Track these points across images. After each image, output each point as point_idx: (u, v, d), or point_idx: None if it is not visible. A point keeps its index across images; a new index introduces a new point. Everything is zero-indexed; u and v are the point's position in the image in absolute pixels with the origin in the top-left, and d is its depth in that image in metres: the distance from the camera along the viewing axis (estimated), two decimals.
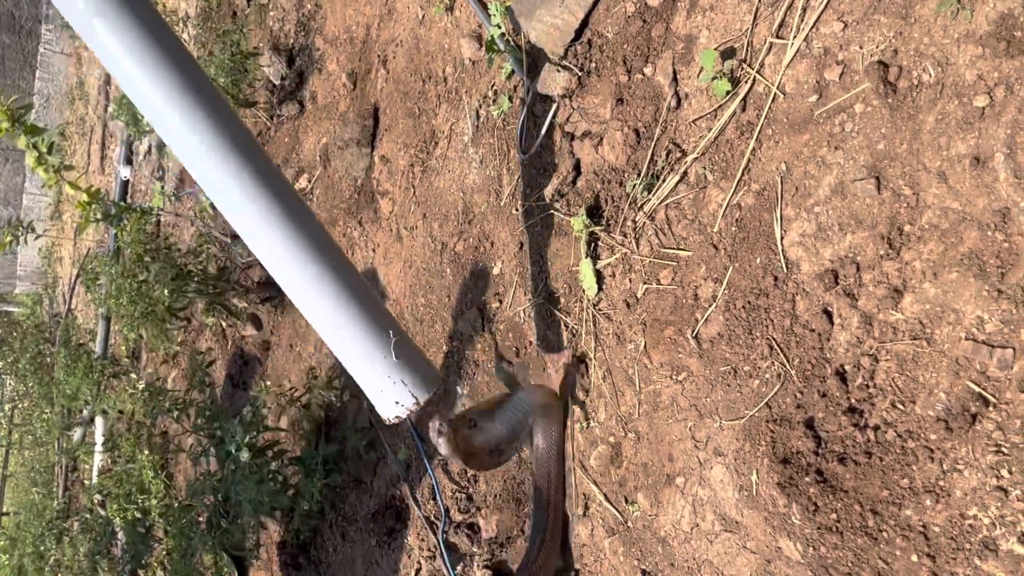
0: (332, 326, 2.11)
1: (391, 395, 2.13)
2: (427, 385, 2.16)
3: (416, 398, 2.13)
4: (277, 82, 4.50)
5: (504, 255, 2.70)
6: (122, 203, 4.70)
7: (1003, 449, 1.37)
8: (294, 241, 2.02)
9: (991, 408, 1.40)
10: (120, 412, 5.61)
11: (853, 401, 1.61)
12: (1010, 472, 1.35)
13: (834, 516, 1.57)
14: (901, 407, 1.53)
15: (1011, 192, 1.41)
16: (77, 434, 6.72)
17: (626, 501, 2.12)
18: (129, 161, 6.74)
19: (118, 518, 3.51)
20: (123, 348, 6.09)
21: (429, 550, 2.83)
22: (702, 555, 1.88)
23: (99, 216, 4.48)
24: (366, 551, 3.14)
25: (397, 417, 2.15)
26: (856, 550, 1.54)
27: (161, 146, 6.21)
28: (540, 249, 2.53)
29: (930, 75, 1.56)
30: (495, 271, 2.73)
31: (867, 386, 1.59)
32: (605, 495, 2.18)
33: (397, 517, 3.05)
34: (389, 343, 2.09)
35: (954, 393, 1.45)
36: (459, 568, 2.60)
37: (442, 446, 1.98)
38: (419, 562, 2.87)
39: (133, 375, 5.92)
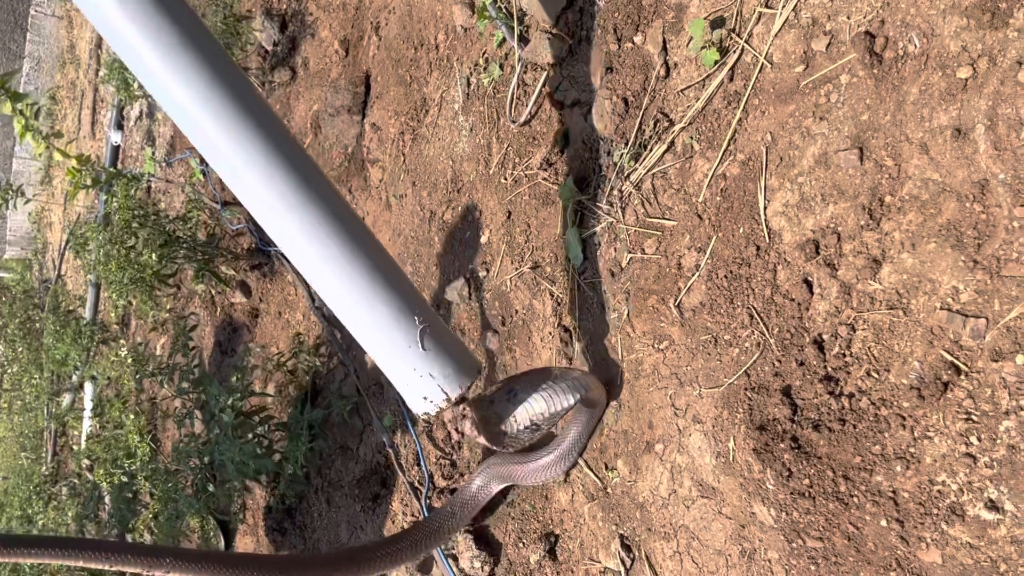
0: (347, 307, 1.82)
1: (418, 390, 1.86)
2: (460, 378, 1.86)
3: (446, 394, 1.84)
4: (269, 48, 4.46)
5: (492, 224, 2.70)
6: (112, 169, 4.69)
7: (973, 417, 1.39)
8: (303, 202, 1.69)
9: (963, 377, 1.42)
10: (109, 378, 5.63)
11: (829, 369, 1.63)
12: (979, 439, 1.37)
13: (807, 482, 1.59)
14: (876, 375, 1.55)
15: (990, 164, 1.42)
16: (66, 399, 6.73)
17: (606, 468, 2.14)
18: (120, 126, 6.69)
19: (104, 483, 3.53)
20: (112, 314, 6.08)
21: (413, 515, 2.85)
22: (679, 520, 1.90)
23: (89, 182, 4.47)
24: (351, 516, 3.17)
25: (426, 414, 1.89)
26: (827, 515, 1.57)
27: (152, 112, 6.16)
28: (527, 218, 2.53)
29: (915, 46, 1.56)
30: (483, 240, 2.74)
31: (843, 355, 1.61)
32: (586, 461, 2.20)
33: (382, 483, 3.07)
34: (415, 331, 1.80)
35: (928, 362, 1.47)
36: None
37: (467, 428, 1.87)
38: (403, 527, 2.89)
39: (123, 341, 5.92)
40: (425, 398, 1.85)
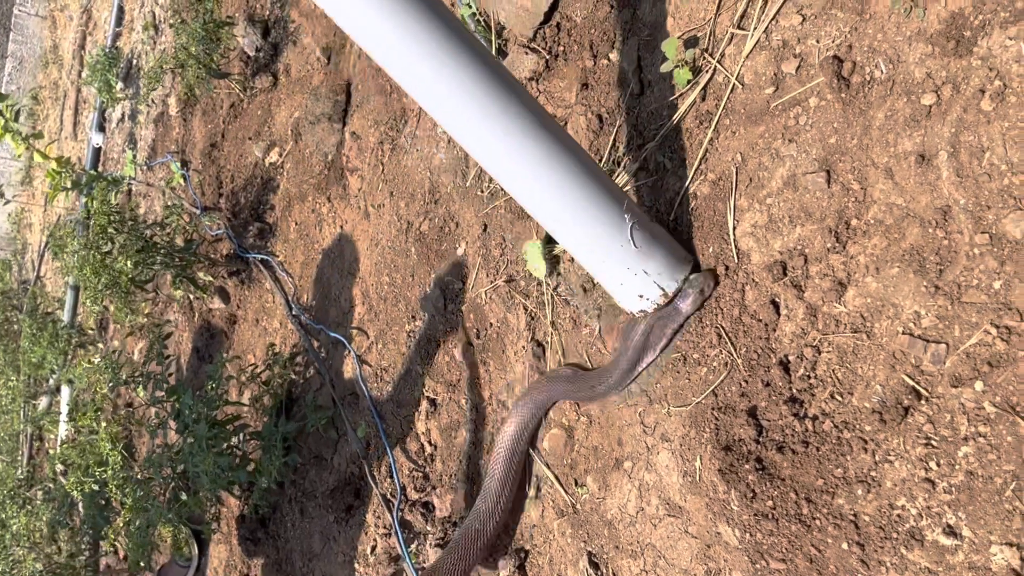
0: (549, 202, 1.69)
1: (633, 288, 1.83)
2: (673, 272, 1.82)
3: (663, 289, 1.82)
4: (252, 54, 4.45)
5: (468, 236, 2.70)
6: (93, 171, 4.65)
7: (932, 442, 1.40)
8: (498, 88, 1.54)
9: (923, 402, 1.42)
10: (86, 383, 5.57)
11: (795, 391, 1.63)
12: (938, 464, 1.38)
13: (770, 503, 1.60)
14: (839, 398, 1.55)
15: (952, 190, 1.43)
16: (43, 403, 6.65)
17: (576, 484, 2.14)
18: (102, 128, 6.64)
19: (75, 491, 3.49)
20: (91, 318, 6.03)
21: (385, 527, 2.84)
22: (646, 539, 1.90)
23: (69, 184, 4.43)
24: (324, 527, 3.15)
25: (642, 312, 1.88)
26: (790, 537, 1.57)
27: (135, 114, 6.12)
28: (503, 231, 2.53)
29: (882, 71, 1.57)
30: (459, 252, 2.73)
31: (808, 377, 1.62)
32: (556, 477, 2.20)
33: (355, 494, 3.06)
34: (626, 228, 1.71)
35: (889, 386, 1.48)
36: (413, 546, 2.62)
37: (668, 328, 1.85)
38: (375, 539, 2.88)
39: (101, 345, 5.87)
40: (641, 296, 1.84)
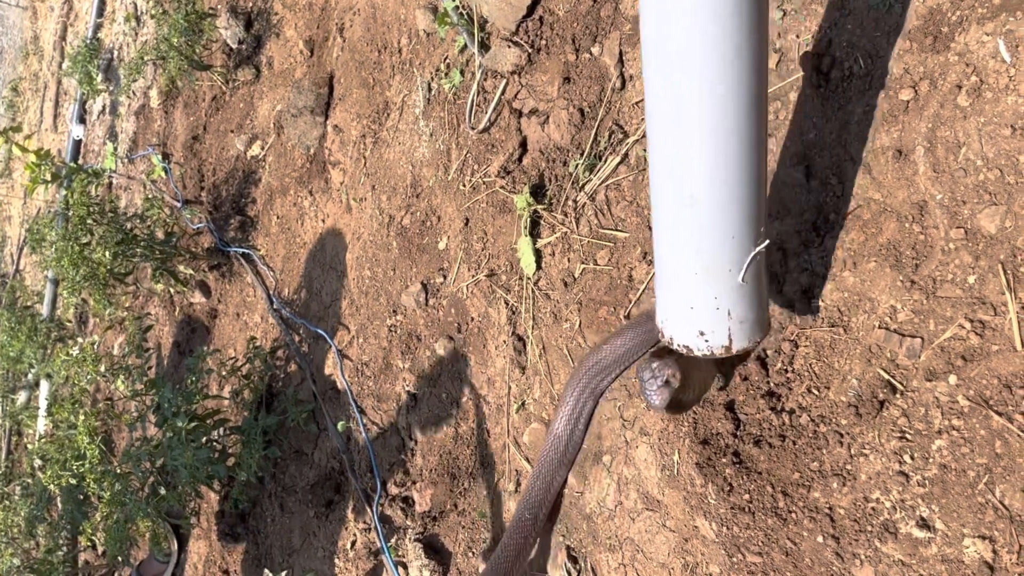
0: (707, 171, 1.31)
1: (701, 321, 1.49)
2: (753, 331, 1.50)
3: (730, 341, 1.49)
4: (234, 46, 4.41)
5: (450, 230, 2.69)
6: (73, 164, 4.60)
7: (907, 436, 1.40)
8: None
9: (898, 395, 1.43)
10: (65, 377, 5.52)
11: (772, 385, 1.64)
12: (912, 458, 1.39)
13: (747, 497, 1.60)
14: (816, 392, 1.56)
15: (929, 185, 1.44)
16: (22, 397, 6.59)
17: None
18: (82, 120, 6.57)
19: (52, 485, 3.46)
20: (69, 311, 5.97)
21: (365, 522, 2.83)
22: (624, 533, 1.90)
23: (48, 177, 4.38)
24: (304, 522, 3.13)
25: (687, 348, 1.54)
26: (767, 530, 1.58)
27: (115, 106, 6.06)
28: (485, 225, 2.52)
29: (860, 67, 1.58)
30: (440, 246, 2.72)
31: (786, 371, 1.62)
32: None
33: (336, 489, 3.04)
34: (747, 255, 1.37)
35: (865, 380, 1.48)
36: (392, 540, 2.61)
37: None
38: (355, 534, 2.87)
39: (80, 339, 5.81)
40: (702, 333, 1.50)
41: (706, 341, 1.51)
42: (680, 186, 1.34)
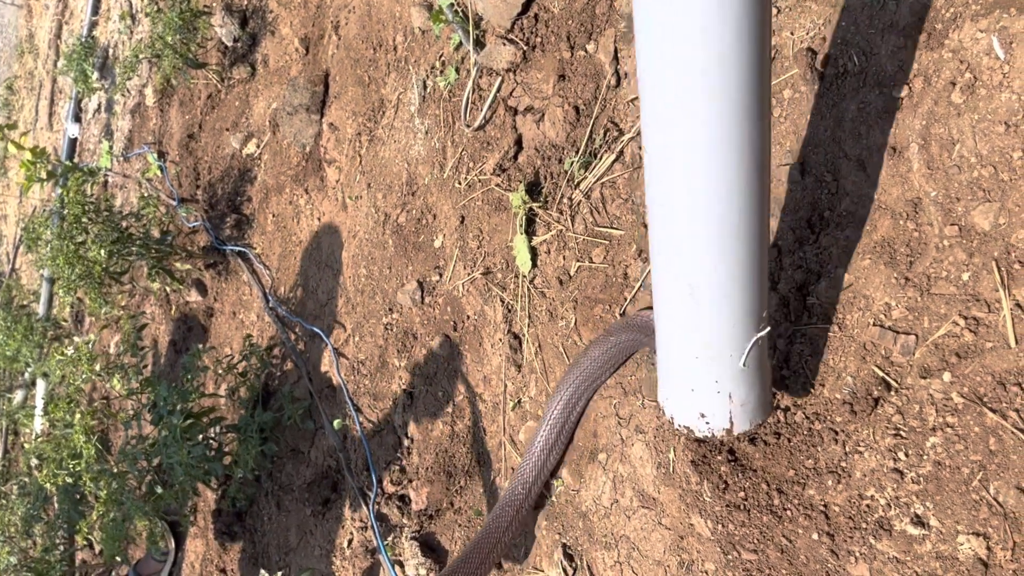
0: (709, 252, 1.26)
1: (701, 403, 1.48)
2: (755, 414, 1.50)
3: (732, 424, 1.49)
4: (229, 44, 4.40)
5: (446, 228, 2.69)
6: (68, 162, 4.58)
7: (901, 432, 1.40)
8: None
9: (893, 393, 1.43)
10: (62, 376, 5.51)
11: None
12: (906, 455, 1.39)
13: (742, 494, 1.60)
14: (810, 389, 1.56)
15: (923, 183, 1.44)
16: (18, 396, 6.58)
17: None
18: (78, 119, 6.55)
19: (48, 484, 3.45)
20: (65, 309, 5.96)
21: (362, 521, 2.83)
22: (620, 530, 1.90)
23: (44, 176, 4.37)
24: (301, 520, 3.13)
25: (688, 430, 1.54)
26: (762, 528, 1.58)
27: (111, 105, 6.05)
28: (480, 223, 2.52)
29: (855, 63, 1.57)
30: (436, 244, 2.72)
31: (781, 368, 1.62)
32: None
33: (332, 487, 3.04)
34: (750, 340, 1.35)
35: (860, 377, 1.48)
36: (389, 539, 2.61)
37: None
38: (352, 532, 2.87)
39: (76, 338, 5.80)
40: (703, 415, 1.49)
41: (707, 423, 1.50)
42: (678, 277, 1.33)
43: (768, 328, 1.37)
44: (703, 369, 1.41)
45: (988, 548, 1.28)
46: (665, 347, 1.48)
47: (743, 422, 1.49)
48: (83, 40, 5.92)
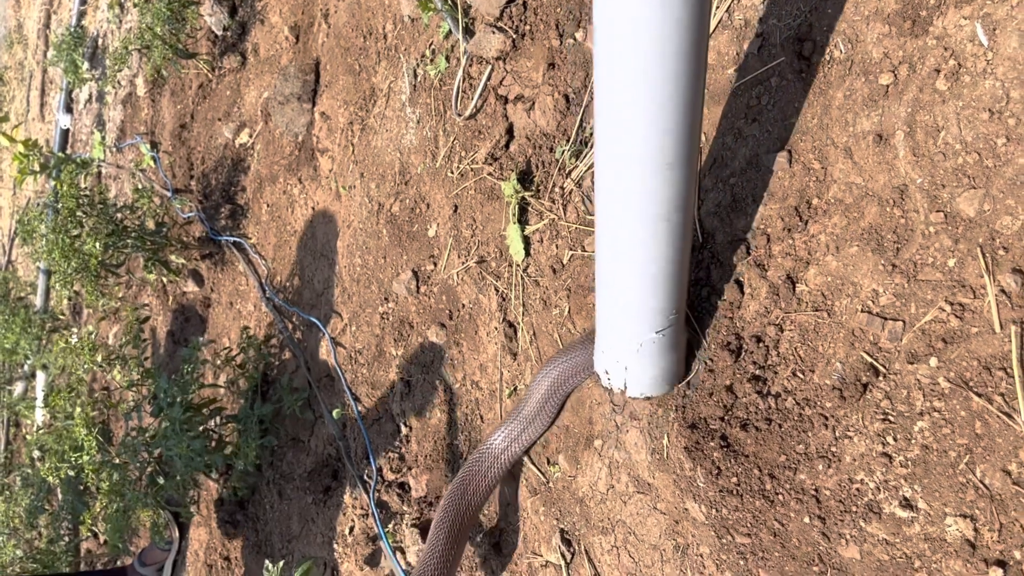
0: (616, 249, 1.49)
1: (606, 364, 1.82)
2: (647, 387, 1.81)
3: (625, 387, 1.84)
4: (219, 33, 4.38)
5: (439, 217, 2.70)
6: (61, 154, 4.58)
7: (889, 417, 1.43)
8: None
9: (881, 378, 1.45)
10: (62, 367, 5.53)
11: (757, 369, 1.65)
12: (895, 439, 1.41)
13: (735, 480, 1.63)
14: (801, 376, 1.58)
15: (909, 169, 1.45)
16: (18, 388, 6.61)
17: (548, 462, 2.16)
18: (69, 109, 6.53)
19: (51, 477, 3.48)
20: (62, 302, 5.97)
21: (362, 508, 2.86)
22: (616, 515, 1.93)
23: (37, 168, 4.36)
24: (302, 508, 3.17)
25: (598, 375, 1.91)
26: (754, 512, 1.60)
27: (102, 95, 6.02)
28: (473, 212, 2.53)
29: (841, 51, 1.58)
30: (430, 233, 2.73)
31: (771, 354, 1.64)
32: (529, 456, 2.22)
33: (333, 475, 3.07)
34: (647, 333, 1.62)
35: (849, 363, 1.50)
36: (390, 526, 2.64)
37: None
38: (353, 520, 2.90)
39: (75, 330, 5.82)
40: (607, 373, 1.85)
41: (609, 379, 1.87)
42: (603, 272, 1.60)
43: (670, 328, 1.62)
44: (611, 342, 1.75)
45: (975, 530, 1.31)
46: (597, 312, 1.76)
47: (635, 389, 1.83)
48: (72, 30, 5.89)
